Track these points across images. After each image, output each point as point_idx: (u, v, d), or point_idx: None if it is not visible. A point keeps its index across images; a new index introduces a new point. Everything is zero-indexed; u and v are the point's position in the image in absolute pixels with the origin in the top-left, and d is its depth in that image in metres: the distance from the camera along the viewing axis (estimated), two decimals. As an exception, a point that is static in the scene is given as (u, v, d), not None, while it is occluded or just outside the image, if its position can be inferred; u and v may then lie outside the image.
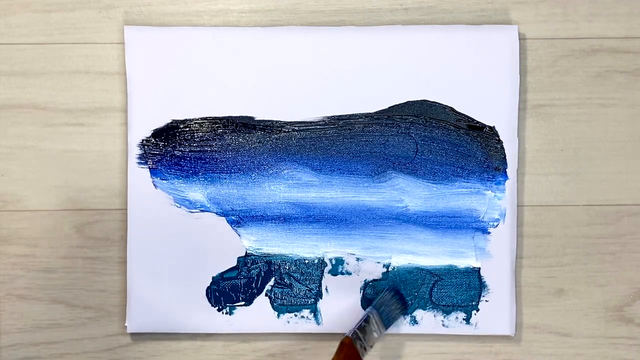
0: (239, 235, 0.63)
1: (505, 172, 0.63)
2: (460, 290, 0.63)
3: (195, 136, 0.63)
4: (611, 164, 0.64)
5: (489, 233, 0.63)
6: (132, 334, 0.64)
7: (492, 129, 0.63)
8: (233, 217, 0.63)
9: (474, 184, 0.63)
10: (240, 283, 0.63)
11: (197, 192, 0.63)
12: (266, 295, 0.63)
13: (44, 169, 0.64)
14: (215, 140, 0.63)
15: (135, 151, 0.63)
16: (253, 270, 0.63)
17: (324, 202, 0.63)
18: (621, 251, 0.64)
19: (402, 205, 0.63)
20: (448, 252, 0.63)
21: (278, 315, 0.63)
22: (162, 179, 0.63)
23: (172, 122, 0.63)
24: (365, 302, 0.63)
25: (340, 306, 0.63)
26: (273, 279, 0.63)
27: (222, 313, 0.63)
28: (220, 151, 0.63)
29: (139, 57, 0.63)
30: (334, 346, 0.64)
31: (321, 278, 0.63)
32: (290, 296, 0.63)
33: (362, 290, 0.63)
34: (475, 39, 0.63)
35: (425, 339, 0.64)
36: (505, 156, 0.63)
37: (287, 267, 0.63)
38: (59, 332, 0.64)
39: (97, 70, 0.64)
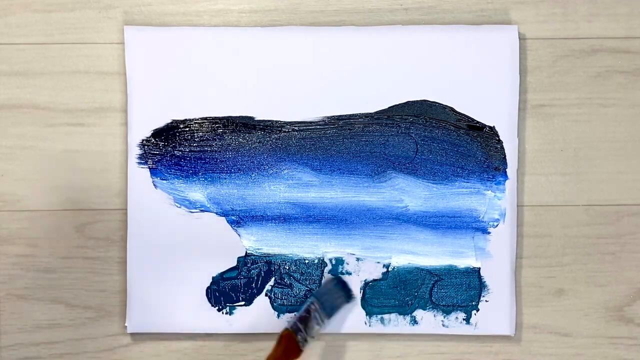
0: (239, 235, 0.63)
1: (505, 172, 0.63)
2: (460, 290, 0.63)
3: (195, 136, 0.63)
4: (611, 164, 0.64)
5: (489, 233, 0.63)
6: (132, 334, 0.64)
7: (492, 129, 0.63)
8: (233, 217, 0.63)
9: (474, 184, 0.63)
10: (240, 283, 0.63)
11: (197, 192, 0.63)
12: (266, 295, 0.63)
13: (44, 169, 0.64)
14: (215, 140, 0.63)
15: (135, 151, 0.63)
16: (253, 270, 0.63)
17: (324, 202, 0.63)
18: (621, 251, 0.64)
19: (402, 205, 0.63)
20: (448, 252, 0.63)
21: (278, 315, 0.63)
22: (162, 179, 0.63)
23: (172, 122, 0.63)
24: (365, 302, 0.63)
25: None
26: (273, 279, 0.63)
27: (222, 313, 0.63)
28: (220, 151, 0.63)
29: (139, 57, 0.63)
30: (334, 346, 0.64)
31: (321, 278, 0.63)
32: (290, 296, 0.63)
33: (362, 290, 0.63)
34: (475, 39, 0.63)
35: (425, 339, 0.64)
36: (505, 156, 0.63)
37: (287, 267, 0.63)
38: (59, 332, 0.64)
39: (97, 70, 0.64)
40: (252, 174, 0.63)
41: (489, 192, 0.63)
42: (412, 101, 0.63)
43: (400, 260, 0.63)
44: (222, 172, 0.63)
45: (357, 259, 0.63)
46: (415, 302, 0.63)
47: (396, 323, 0.63)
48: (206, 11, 0.64)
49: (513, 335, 0.63)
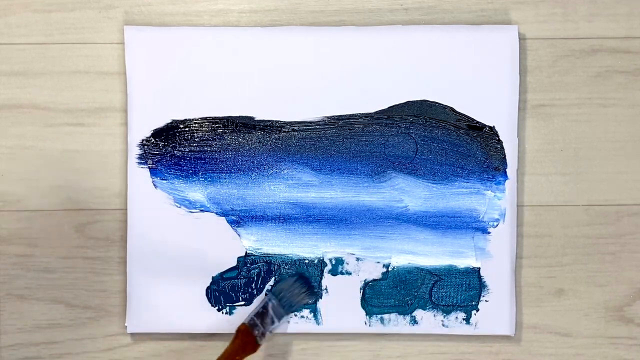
0: (239, 235, 0.63)
1: (505, 172, 0.63)
2: (460, 290, 0.63)
3: (195, 136, 0.63)
4: (611, 164, 0.64)
5: (489, 233, 0.63)
6: (132, 334, 0.64)
7: (492, 129, 0.63)
8: (233, 217, 0.63)
9: (473, 184, 0.63)
10: (240, 283, 0.63)
11: (197, 192, 0.63)
12: (266, 295, 0.63)
13: (44, 169, 0.64)
14: (215, 140, 0.63)
15: (135, 151, 0.63)
16: (253, 270, 0.63)
17: (324, 202, 0.63)
18: (621, 251, 0.64)
19: (402, 205, 0.63)
20: (448, 252, 0.63)
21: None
22: (162, 179, 0.63)
23: (172, 122, 0.63)
24: (365, 302, 0.63)
25: (340, 306, 0.63)
26: (273, 279, 0.63)
27: (222, 313, 0.63)
28: (220, 151, 0.63)
29: (139, 57, 0.63)
30: (334, 346, 0.64)
31: (321, 278, 0.63)
32: (290, 296, 0.63)
33: (362, 290, 0.63)
34: (475, 39, 0.63)
35: (425, 339, 0.64)
36: (505, 156, 0.63)
37: (287, 267, 0.63)
38: (59, 332, 0.64)
39: (97, 70, 0.64)
40: (252, 174, 0.63)
41: (489, 192, 0.63)
42: (412, 101, 0.63)
43: (400, 260, 0.63)
44: (222, 172, 0.63)
45: (357, 259, 0.63)
46: (415, 302, 0.63)
47: (396, 323, 0.63)
48: (206, 11, 0.64)
49: (513, 335, 0.63)
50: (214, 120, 0.63)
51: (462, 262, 0.63)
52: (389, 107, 0.63)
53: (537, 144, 0.64)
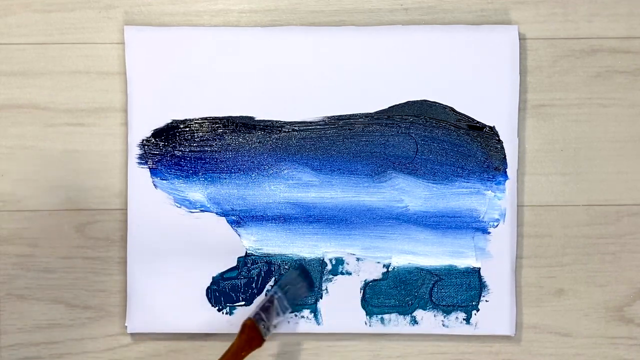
0: (239, 235, 0.63)
1: (505, 172, 0.63)
2: (460, 290, 0.63)
3: (195, 136, 0.63)
4: (611, 164, 0.64)
5: (489, 233, 0.63)
6: (132, 334, 0.64)
7: (492, 129, 0.63)
8: (233, 217, 0.63)
9: (474, 184, 0.63)
10: (240, 283, 0.63)
11: (197, 192, 0.63)
12: (266, 295, 0.63)
13: (44, 169, 0.63)
14: (215, 140, 0.63)
15: (135, 151, 0.63)
16: (253, 270, 0.63)
17: (324, 202, 0.63)
18: (621, 251, 0.64)
19: (402, 205, 0.63)
20: (448, 252, 0.63)
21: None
22: (162, 179, 0.63)
23: (172, 122, 0.63)
24: (365, 302, 0.63)
25: (340, 306, 0.63)
26: (273, 279, 0.63)
27: (222, 313, 0.63)
28: (220, 151, 0.63)
29: (139, 57, 0.63)
30: (334, 346, 0.64)
31: (321, 278, 0.63)
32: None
33: (362, 290, 0.63)
34: (475, 39, 0.63)
35: (425, 339, 0.64)
36: (505, 156, 0.63)
37: (287, 267, 0.63)
38: (59, 332, 0.64)
39: (97, 70, 0.64)
40: (252, 174, 0.63)
41: (489, 192, 0.63)
42: (412, 101, 0.63)
43: (401, 260, 0.63)
44: (222, 172, 0.63)
45: (357, 259, 0.63)
46: (415, 302, 0.63)
47: (396, 323, 0.63)
48: (206, 11, 0.64)
49: (513, 335, 0.63)
50: (214, 120, 0.63)
51: (462, 262, 0.63)
52: (389, 107, 0.63)
53: (537, 144, 0.64)
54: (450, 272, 0.63)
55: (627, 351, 0.64)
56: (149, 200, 0.63)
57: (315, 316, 0.63)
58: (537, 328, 0.64)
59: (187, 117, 0.63)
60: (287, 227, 0.63)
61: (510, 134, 0.63)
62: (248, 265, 0.63)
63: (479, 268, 0.63)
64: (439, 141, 0.63)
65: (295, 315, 0.63)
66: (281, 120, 0.63)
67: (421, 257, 0.63)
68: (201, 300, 0.63)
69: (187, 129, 0.63)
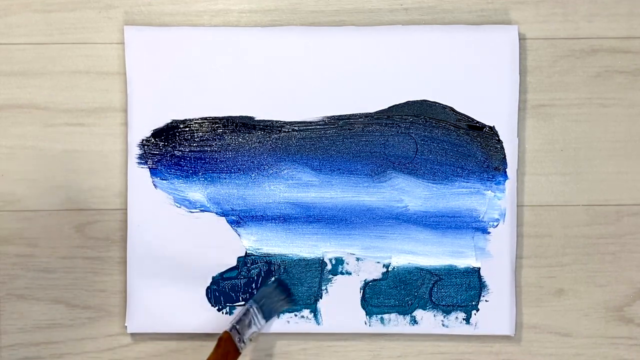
0: (239, 235, 0.63)
1: (505, 172, 0.63)
2: (460, 290, 0.63)
3: (195, 136, 0.63)
4: (611, 164, 0.64)
5: (489, 233, 0.63)
6: (132, 334, 0.64)
7: (492, 129, 0.63)
8: (233, 217, 0.63)
9: (473, 184, 0.63)
10: (240, 283, 0.63)
11: (197, 192, 0.63)
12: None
13: (44, 169, 0.64)
14: (215, 140, 0.63)
15: (135, 151, 0.63)
16: (253, 270, 0.63)
17: (324, 202, 0.63)
18: (621, 251, 0.64)
19: (402, 205, 0.63)
20: (448, 252, 0.63)
21: (278, 315, 0.63)
22: (162, 179, 0.63)
23: (172, 122, 0.63)
24: (365, 302, 0.63)
25: (340, 306, 0.63)
26: (273, 279, 0.63)
27: (222, 313, 0.63)
28: (220, 151, 0.63)
29: (139, 57, 0.63)
30: (334, 346, 0.64)
31: (321, 278, 0.63)
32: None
33: (362, 290, 0.63)
34: (475, 39, 0.63)
35: (425, 339, 0.64)
36: (505, 156, 0.63)
37: (287, 267, 0.63)
38: (59, 332, 0.64)
39: (97, 70, 0.64)
40: (252, 174, 0.63)
41: (489, 192, 0.63)
42: (412, 101, 0.63)
43: (400, 260, 0.63)
44: (222, 172, 0.63)
45: (357, 259, 0.63)
46: (415, 302, 0.63)
47: (396, 323, 0.63)
48: (206, 11, 0.64)
49: (513, 335, 0.63)
50: (214, 120, 0.63)
51: (462, 262, 0.63)
52: (389, 107, 0.63)
53: (537, 144, 0.64)
54: (450, 272, 0.63)
55: (627, 351, 0.64)
56: (149, 200, 0.63)
57: (315, 316, 0.63)
58: (537, 328, 0.64)
59: (187, 117, 0.63)
60: (287, 227, 0.63)
61: (510, 134, 0.63)
62: (248, 265, 0.63)
63: (479, 268, 0.63)
64: (439, 141, 0.63)
65: (295, 315, 0.63)
66: (281, 120, 0.63)
67: (421, 257, 0.63)
68: (201, 300, 0.63)
69: (187, 129, 0.63)
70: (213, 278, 0.63)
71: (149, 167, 0.63)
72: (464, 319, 0.63)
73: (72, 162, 0.64)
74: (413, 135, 0.63)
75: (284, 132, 0.63)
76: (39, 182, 0.64)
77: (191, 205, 0.63)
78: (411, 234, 0.63)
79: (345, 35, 0.63)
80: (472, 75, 0.63)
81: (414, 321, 0.63)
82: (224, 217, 0.63)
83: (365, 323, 0.63)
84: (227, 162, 0.63)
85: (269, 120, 0.63)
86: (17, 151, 0.64)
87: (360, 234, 0.63)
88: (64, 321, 0.64)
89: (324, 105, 0.63)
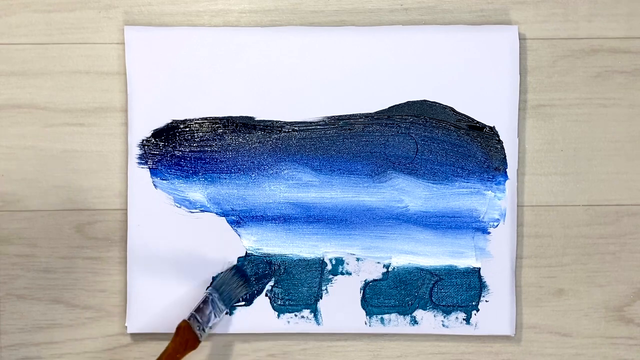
0: (239, 235, 0.63)
1: (505, 172, 0.63)
2: (460, 291, 0.63)
3: (195, 136, 0.63)
4: (611, 164, 0.64)
5: (489, 233, 0.63)
6: (132, 334, 0.64)
7: (492, 129, 0.63)
8: (233, 217, 0.63)
9: (474, 184, 0.63)
10: (240, 283, 0.63)
11: (197, 192, 0.63)
12: (266, 295, 0.63)
13: (44, 169, 0.63)
14: (215, 140, 0.63)
15: (135, 151, 0.63)
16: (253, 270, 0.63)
17: (324, 202, 0.63)
18: (621, 251, 0.64)
19: (402, 205, 0.63)
20: (448, 252, 0.63)
21: (278, 315, 0.63)
22: (162, 179, 0.63)
23: (172, 122, 0.63)
24: (365, 302, 0.63)
25: (340, 306, 0.63)
26: (273, 279, 0.63)
27: (222, 313, 0.63)
28: (220, 151, 0.63)
29: (139, 57, 0.63)
30: (334, 346, 0.64)
31: (321, 278, 0.63)
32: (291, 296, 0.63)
33: (362, 290, 0.63)
34: (476, 39, 0.63)
35: (425, 339, 0.64)
36: (505, 156, 0.63)
37: (287, 267, 0.63)
38: (59, 332, 0.64)
39: (97, 70, 0.64)
40: (252, 174, 0.63)
41: (489, 192, 0.63)
42: (412, 101, 0.63)
43: (401, 260, 0.63)
44: (222, 172, 0.63)
45: (357, 259, 0.63)
46: (415, 302, 0.63)
47: (396, 323, 0.63)
48: (206, 11, 0.64)
49: (513, 335, 0.63)
50: (214, 120, 0.63)
51: (462, 262, 0.63)
52: (389, 107, 0.63)
53: (537, 144, 0.64)
54: (450, 272, 0.63)
55: (627, 351, 0.64)
56: (149, 201, 0.63)
57: (315, 316, 0.63)
58: (537, 328, 0.64)
59: (187, 117, 0.63)
60: (287, 227, 0.63)
61: (510, 134, 0.63)
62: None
63: (479, 268, 0.63)
64: (439, 141, 0.63)
65: (295, 315, 0.63)
66: (281, 120, 0.63)
67: (421, 257, 0.63)
68: (201, 300, 0.63)
69: (187, 129, 0.63)
70: (213, 278, 0.63)
71: (149, 167, 0.63)
72: (464, 319, 0.63)
73: (72, 162, 0.64)
74: (413, 135, 0.63)
75: (284, 132, 0.63)
76: (39, 182, 0.64)
77: (191, 205, 0.63)
78: (411, 234, 0.63)
79: (345, 35, 0.63)
80: (472, 76, 0.63)
81: (414, 321, 0.63)
82: (224, 217, 0.63)
83: (366, 323, 0.63)
84: (228, 162, 0.63)
85: (269, 121, 0.63)
86: (17, 151, 0.64)
87: (360, 234, 0.63)
88: (64, 321, 0.64)
89: (324, 106, 0.63)
